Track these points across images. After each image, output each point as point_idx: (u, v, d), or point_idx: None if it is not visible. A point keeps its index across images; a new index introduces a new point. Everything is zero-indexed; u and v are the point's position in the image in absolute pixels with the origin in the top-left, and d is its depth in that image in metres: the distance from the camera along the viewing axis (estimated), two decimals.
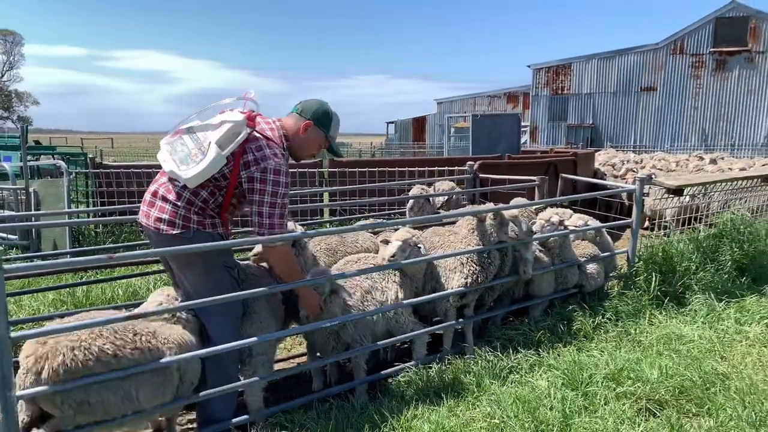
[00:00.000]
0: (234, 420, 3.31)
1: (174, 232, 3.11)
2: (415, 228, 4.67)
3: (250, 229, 3.46)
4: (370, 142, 49.02)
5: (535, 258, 4.63)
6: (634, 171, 11.77)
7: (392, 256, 3.90)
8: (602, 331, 4.71)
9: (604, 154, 17.65)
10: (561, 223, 4.80)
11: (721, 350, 4.42)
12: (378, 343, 3.96)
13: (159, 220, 3.12)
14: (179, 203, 3.12)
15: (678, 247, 5.87)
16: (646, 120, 31.29)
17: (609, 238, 5.81)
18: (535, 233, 4.66)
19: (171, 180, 3.17)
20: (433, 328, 4.27)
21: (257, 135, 3.18)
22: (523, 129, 35.57)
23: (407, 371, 3.94)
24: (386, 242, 4.09)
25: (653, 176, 5.84)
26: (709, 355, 4.30)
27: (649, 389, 3.67)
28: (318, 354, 4.12)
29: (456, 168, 7.48)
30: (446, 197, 5.47)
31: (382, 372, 4.00)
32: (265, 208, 3.11)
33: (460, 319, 4.42)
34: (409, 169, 7.88)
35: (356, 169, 7.76)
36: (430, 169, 7.96)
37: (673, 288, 5.49)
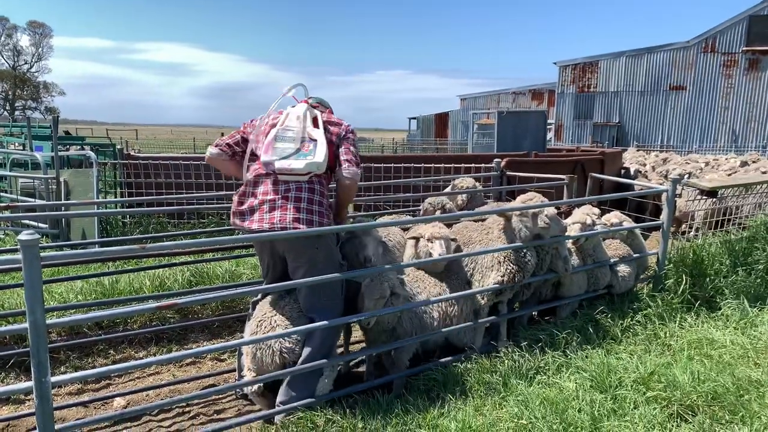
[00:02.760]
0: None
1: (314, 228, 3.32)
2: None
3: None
4: (392, 138, 48.92)
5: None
6: (660, 172, 11.57)
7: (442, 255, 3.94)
8: (631, 333, 4.63)
9: (630, 153, 17.41)
10: (594, 223, 4.72)
11: (755, 357, 4.31)
12: (425, 334, 3.93)
13: (297, 220, 3.30)
14: (313, 199, 3.38)
15: (709, 249, 5.75)
16: (675, 119, 30.73)
17: (642, 240, 5.69)
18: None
19: (294, 183, 3.38)
20: (459, 326, 4.20)
21: (324, 114, 3.65)
22: (548, 127, 35.29)
23: (433, 369, 3.92)
24: (416, 239, 4.08)
25: (687, 176, 5.70)
26: (742, 362, 4.19)
27: (681, 394, 3.58)
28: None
29: (482, 165, 7.40)
30: (467, 196, 5.39)
31: (415, 368, 3.97)
32: (353, 157, 3.54)
33: (492, 317, 4.37)
34: (435, 165, 7.81)
35: (381, 165, 7.72)
36: (455, 165, 7.88)
37: (703, 291, 5.38)
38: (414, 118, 49.30)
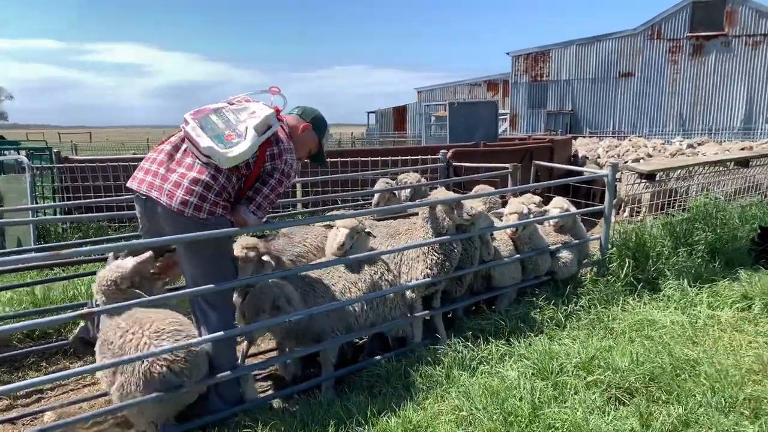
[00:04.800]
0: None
1: (201, 216, 3.07)
2: (381, 219, 4.59)
3: None
4: (351, 133, 48.75)
5: (495, 249, 4.58)
6: (610, 157, 11.80)
7: (341, 246, 3.82)
8: (575, 318, 4.67)
9: (581, 141, 17.73)
10: (530, 212, 4.74)
11: (693, 335, 4.41)
12: (350, 334, 3.89)
13: (185, 203, 3.03)
14: (213, 187, 3.08)
15: (651, 232, 5.86)
16: (625, 106, 31.46)
17: (582, 225, 5.76)
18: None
19: (203, 162, 3.09)
20: (395, 322, 4.14)
21: (284, 133, 3.32)
22: (503, 117, 35.65)
23: (376, 365, 3.87)
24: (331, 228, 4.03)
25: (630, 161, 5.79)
26: (681, 341, 4.27)
27: (619, 377, 3.62)
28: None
29: (429, 157, 7.38)
30: (412, 190, 5.36)
31: (350, 367, 3.91)
32: (265, 198, 3.23)
33: (426, 311, 4.33)
34: (383, 158, 7.75)
35: (329, 160, 7.62)
36: (404, 158, 7.83)
37: (646, 274, 5.47)
38: (372, 113, 49.17)
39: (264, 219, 3.32)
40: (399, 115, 46.74)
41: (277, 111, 3.36)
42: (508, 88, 37.27)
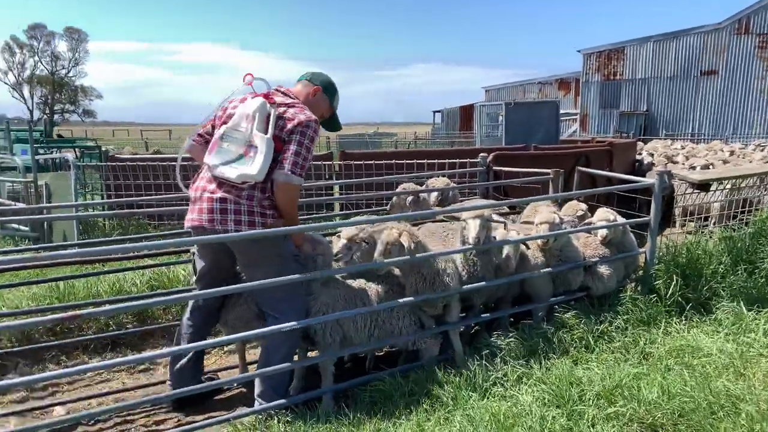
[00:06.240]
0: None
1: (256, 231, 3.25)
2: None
3: None
4: (414, 132, 48.52)
5: (523, 257, 4.29)
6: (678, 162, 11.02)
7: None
8: (606, 340, 4.30)
9: (652, 144, 16.75)
10: (562, 221, 4.40)
11: (741, 367, 3.93)
12: (352, 347, 3.75)
13: (239, 222, 3.26)
14: (253, 203, 3.29)
15: (706, 247, 5.35)
16: (707, 106, 29.50)
17: (632, 238, 5.30)
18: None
19: (234, 186, 3.29)
20: (400, 337, 3.94)
21: (281, 108, 3.40)
22: (573, 117, 34.39)
23: (381, 380, 3.69)
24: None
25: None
26: (725, 373, 3.82)
27: (644, 411, 3.27)
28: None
29: (468, 160, 7.05)
30: (439, 194, 5.12)
31: (352, 380, 3.75)
32: (297, 155, 3.30)
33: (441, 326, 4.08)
34: (423, 161, 7.46)
35: (370, 162, 7.44)
36: (450, 161, 7.52)
37: (697, 294, 4.99)
38: (438, 111, 48.73)
39: (301, 174, 3.35)
40: (466, 114, 46.04)
41: (267, 96, 3.44)
42: (579, 87, 35.94)
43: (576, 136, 28.91)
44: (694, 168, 10.55)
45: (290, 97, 3.52)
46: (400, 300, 3.72)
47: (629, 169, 10.93)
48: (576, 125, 33.01)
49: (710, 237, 5.55)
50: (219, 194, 3.30)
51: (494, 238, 4.08)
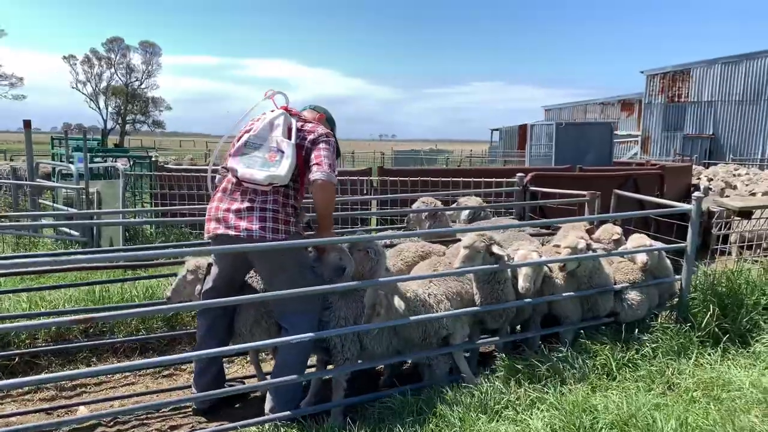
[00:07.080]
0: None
1: (280, 237, 3.37)
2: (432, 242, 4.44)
3: None
4: (470, 150, 48.24)
5: (546, 279, 4.21)
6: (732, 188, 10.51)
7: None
8: (630, 368, 4.14)
9: (713, 169, 16.06)
10: (588, 247, 4.28)
11: None
12: (364, 363, 3.77)
13: (263, 228, 3.36)
14: (278, 208, 3.42)
15: (749, 276, 5.08)
16: None
17: (668, 265, 5.10)
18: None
19: (260, 192, 3.41)
20: (411, 354, 3.96)
21: (300, 122, 3.59)
22: (634, 139, 33.35)
23: (390, 397, 3.68)
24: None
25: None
26: (755, 409, 3.61)
27: None
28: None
29: (504, 180, 6.97)
30: (470, 213, 5.09)
31: (362, 396, 3.76)
32: (325, 157, 3.45)
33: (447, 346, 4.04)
34: (460, 179, 7.45)
35: (406, 179, 7.48)
36: (487, 180, 7.49)
37: (737, 325, 4.74)
38: (496, 130, 48.33)
39: (334, 172, 3.47)
40: (523, 133, 45.43)
41: (287, 109, 3.62)
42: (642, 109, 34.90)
43: (636, 158, 28.01)
44: (754, 194, 10.05)
45: (301, 119, 3.68)
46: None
47: (683, 194, 10.50)
48: (637, 147, 32.01)
49: (753, 264, 5.25)
50: (245, 204, 3.41)
51: (512, 258, 4.04)
